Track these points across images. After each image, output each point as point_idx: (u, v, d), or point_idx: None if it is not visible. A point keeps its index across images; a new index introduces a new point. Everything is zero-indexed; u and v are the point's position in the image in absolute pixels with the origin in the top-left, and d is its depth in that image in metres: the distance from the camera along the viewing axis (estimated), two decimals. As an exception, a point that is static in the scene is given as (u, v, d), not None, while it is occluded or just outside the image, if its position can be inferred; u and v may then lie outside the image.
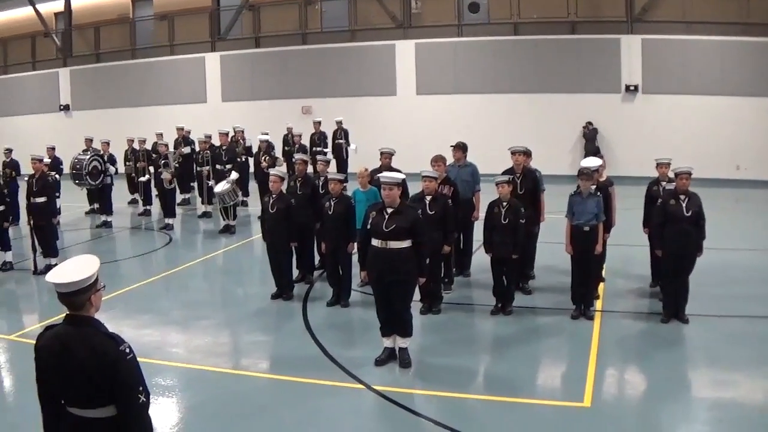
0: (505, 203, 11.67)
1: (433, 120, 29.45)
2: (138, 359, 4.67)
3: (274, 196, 12.93)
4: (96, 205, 22.62)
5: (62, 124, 35.83)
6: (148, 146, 23.93)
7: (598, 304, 12.07)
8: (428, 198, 11.53)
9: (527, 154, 13.15)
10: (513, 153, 12.90)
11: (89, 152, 21.70)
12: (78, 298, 4.61)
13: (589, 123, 27.66)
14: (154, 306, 13.00)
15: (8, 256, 16.13)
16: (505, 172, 12.55)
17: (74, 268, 4.66)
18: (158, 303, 13.25)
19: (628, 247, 15.12)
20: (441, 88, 29.74)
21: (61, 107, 36.38)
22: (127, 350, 4.60)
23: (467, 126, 27.54)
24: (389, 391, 8.86)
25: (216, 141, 21.80)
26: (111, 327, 4.74)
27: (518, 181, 12.60)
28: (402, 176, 9.79)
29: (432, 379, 9.28)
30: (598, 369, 9.43)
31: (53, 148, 22.52)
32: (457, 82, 29.53)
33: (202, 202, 22.31)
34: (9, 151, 22.01)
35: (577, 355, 9.97)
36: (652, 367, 9.56)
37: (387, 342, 9.79)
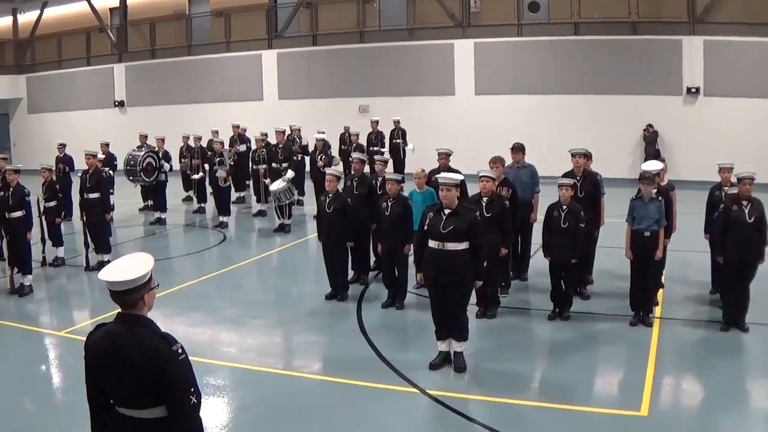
0: (564, 206, 11.54)
1: (491, 120, 29.27)
2: (189, 359, 4.65)
3: (330, 195, 12.94)
4: (150, 202, 22.82)
5: (117, 120, 36.31)
6: (204, 143, 24.09)
7: (657, 311, 11.86)
8: (486, 199, 11.43)
9: (588, 156, 12.99)
10: (573, 155, 12.77)
11: (144, 148, 21.85)
12: (131, 296, 4.58)
13: (650, 125, 27.27)
14: (206, 304, 13.08)
15: (60, 252, 16.36)
16: (564, 175, 12.39)
17: (128, 266, 4.63)
18: (211, 301, 13.32)
19: (688, 253, 14.85)
20: (499, 88, 29.52)
21: (116, 103, 36.87)
22: (180, 350, 4.55)
23: (525, 127, 27.30)
24: (443, 396, 8.78)
25: (272, 139, 21.84)
26: (162, 325, 4.71)
27: (578, 184, 12.47)
28: (460, 177, 9.70)
29: (487, 384, 9.20)
30: (656, 377, 9.26)
31: (107, 144, 22.82)
32: (515, 82, 29.30)
33: (257, 201, 22.39)
34: (62, 146, 22.29)
35: (634, 363, 9.80)
36: (711, 376, 9.37)
37: (442, 346, 9.73)
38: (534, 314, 12.10)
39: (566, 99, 28.55)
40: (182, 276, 15.09)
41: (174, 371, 4.50)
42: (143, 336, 4.55)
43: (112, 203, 17.33)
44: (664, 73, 27.21)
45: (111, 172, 20.23)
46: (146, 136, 23.31)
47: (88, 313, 12.80)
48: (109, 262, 14.66)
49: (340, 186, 13.39)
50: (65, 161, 21.78)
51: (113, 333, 4.61)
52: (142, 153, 21.34)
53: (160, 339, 4.56)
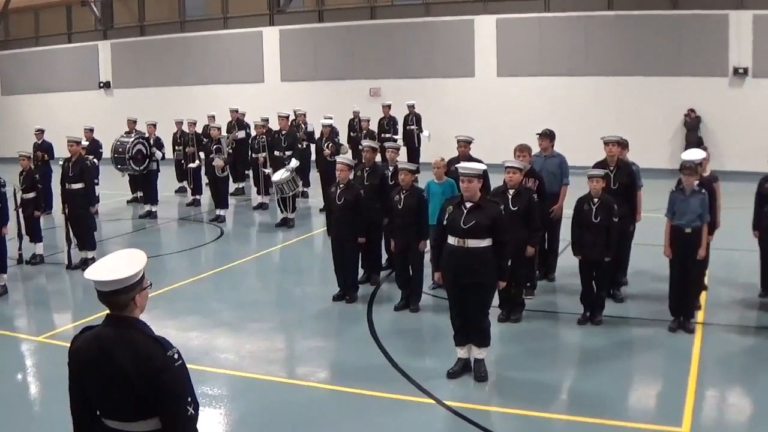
0: (596, 199, 11.50)
1: (515, 105, 29.29)
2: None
3: (341, 185, 12.96)
4: (140, 194, 22.87)
5: (102, 103, 36.44)
6: (199, 129, 24.13)
7: (700, 316, 11.82)
8: (511, 192, 11.45)
9: (622, 144, 12.94)
10: (606, 143, 12.73)
11: (133, 135, 21.89)
12: (121, 297, 4.57)
13: (692, 110, 27.18)
14: (202, 306, 13.12)
15: (39, 248, 16.35)
16: (596, 165, 12.36)
17: (118, 264, 4.62)
18: (207, 303, 13.36)
19: (734, 252, 14.79)
20: (525, 69, 29.51)
21: (101, 84, 36.96)
22: (176, 356, 4.53)
23: (553, 112, 27.30)
24: (462, 408, 8.78)
25: (274, 125, 21.90)
26: (153, 329, 4.71)
27: (612, 175, 12.43)
28: (483, 167, 9.72)
29: (510, 395, 9.19)
30: (698, 389, 9.22)
31: (92, 130, 22.82)
32: (542, 62, 29.26)
33: (258, 192, 22.45)
34: (40, 131, 22.29)
35: (674, 373, 9.77)
36: (759, 388, 9.34)
37: (461, 352, 9.73)
38: (562, 318, 12.09)
39: (598, 81, 28.51)
40: (175, 275, 15.12)
41: (169, 379, 4.48)
42: (135, 340, 4.53)
43: (97, 195, 17.29)
44: (708, 51, 27.09)
45: (96, 160, 20.22)
46: (135, 122, 23.36)
47: (71, 316, 12.82)
48: (93, 259, 14.78)
49: (351, 176, 13.39)
50: (44, 148, 21.81)
51: (102, 337, 4.59)
52: (132, 139, 21.36)
53: (154, 343, 4.54)
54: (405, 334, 11.49)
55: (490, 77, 30.13)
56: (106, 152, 22.25)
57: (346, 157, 13.86)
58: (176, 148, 24.24)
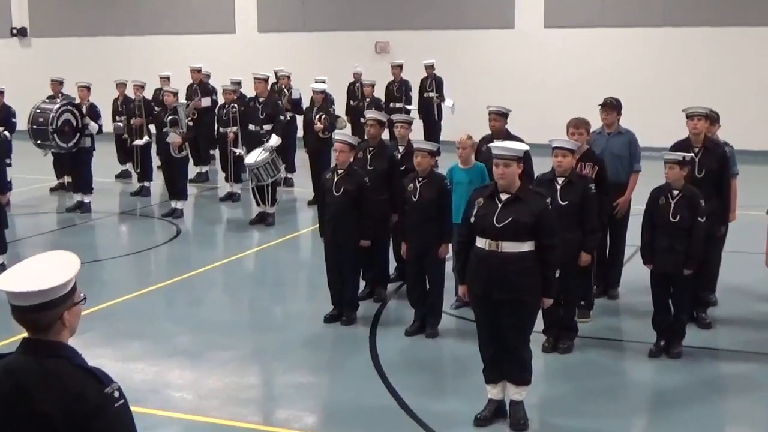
0: (675, 191, 11.44)
1: (568, 65, 29.33)
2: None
3: (340, 171, 12.93)
4: (68, 179, 22.91)
5: (15, 57, 36.48)
6: (149, 95, 24.14)
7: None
8: (561, 181, 11.43)
9: (712, 119, 12.93)
10: (690, 117, 12.67)
11: (59, 100, 21.68)
12: (45, 314, 4.50)
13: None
14: (150, 328, 13.13)
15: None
16: (676, 146, 12.35)
17: (42, 271, 4.54)
18: (157, 324, 13.38)
19: None
20: (580, 18, 29.57)
21: (14, 31, 36.94)
22: (116, 394, 4.48)
23: (619, 75, 27.31)
24: (494, 467, 8.80)
25: (249, 90, 21.86)
26: (88, 358, 4.67)
27: (697, 160, 12.39)
28: (524, 147, 9.64)
29: (559, 450, 9.21)
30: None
31: (1, 92, 22.75)
32: (605, 9, 29.31)
33: (227, 179, 22.53)
34: None
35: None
36: None
37: (493, 391, 9.69)
38: (628, 348, 12.13)
39: (680, 34, 28.51)
40: (116, 287, 15.14)
41: (107, 424, 4.43)
42: (62, 373, 4.47)
43: (9, 179, 17.25)
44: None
45: (7, 133, 20.21)
46: (62, 82, 23.27)
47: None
48: (3, 266, 14.77)
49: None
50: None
51: (15, 368, 4.53)
52: (57, 106, 21.02)
53: (88, 377, 4.47)
54: (419, 367, 11.49)
55: (534, 29, 30.17)
56: (22, 123, 21.93)
57: (345, 133, 13.82)
58: (117, 118, 24.28)
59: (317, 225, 13.59)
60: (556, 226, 9.59)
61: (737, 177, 13.15)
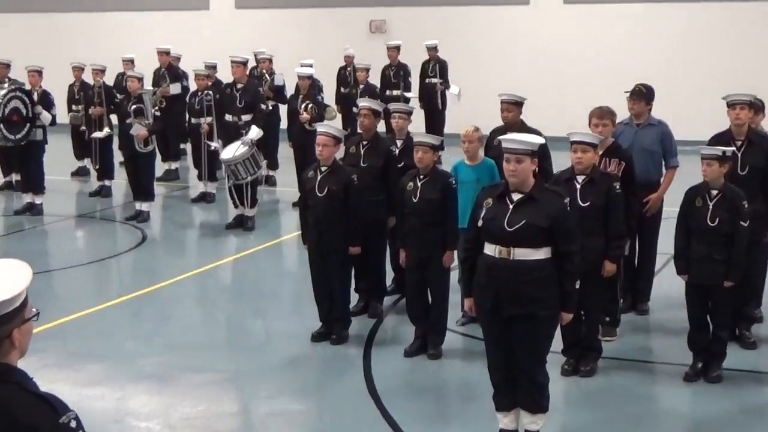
0: (714, 192, 11.41)
1: (591, 46, 29.30)
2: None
3: (323, 168, 12.95)
4: (16, 177, 22.91)
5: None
6: (110, 81, 24.13)
7: None
8: (581, 179, 11.42)
9: (757, 108, 12.94)
10: (732, 106, 12.65)
11: (6, 85, 21.67)
12: (-10, 333, 4.55)
13: None
14: (112, 348, 13.12)
15: None
16: (715, 139, 12.37)
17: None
18: (120, 343, 13.37)
19: None
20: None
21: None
22: (73, 424, 4.49)
23: (650, 58, 27.34)
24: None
25: (225, 75, 21.91)
26: (40, 383, 4.70)
27: (739, 155, 12.39)
28: (539, 140, 9.64)
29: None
30: None
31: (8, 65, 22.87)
32: (633, -19, 29.34)
33: (200, 177, 22.57)
34: None
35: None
36: None
37: (505, 420, 9.72)
38: (660, 371, 12.14)
39: (721, 8, 28.49)
40: (72, 301, 15.11)
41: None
42: (11, 400, 4.48)
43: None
44: None
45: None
46: (9, 65, 23.20)
47: None
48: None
49: (340, 154, 13.40)
50: None
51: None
52: (3, 93, 21.08)
53: (39, 405, 4.48)
54: (420, 392, 11.49)
55: (553, 4, 30.23)
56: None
57: (331, 125, 13.81)
58: (74, 107, 24.30)
59: (301, 231, 13.58)
60: (576, 230, 9.57)
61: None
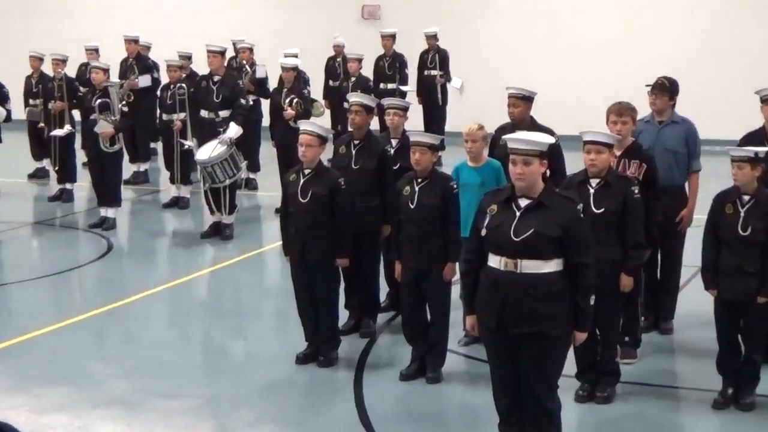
0: (746, 197, 11.40)
1: (608, 36, 29.42)
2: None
3: (307, 171, 12.96)
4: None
5: None
6: (72, 72, 24.17)
7: None
8: (594, 183, 11.42)
9: (792, 104, 13.02)
10: (766, 101, 12.75)
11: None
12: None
13: None
14: (73, 371, 13.09)
15: None
16: (746, 138, 12.41)
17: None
18: (82, 365, 13.33)
19: None
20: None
21: None
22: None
23: (673, 48, 27.42)
24: None
25: (201, 67, 21.97)
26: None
27: (774, 157, 12.46)
28: (549, 139, 9.64)
29: None
30: None
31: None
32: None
33: (172, 180, 22.59)
34: None
35: None
36: None
37: (511, 452, 9.81)
38: (686, 397, 12.18)
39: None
40: (28, 317, 15.05)
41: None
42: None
43: None
44: None
45: None
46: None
47: None
48: None
49: (327, 156, 13.46)
50: None
51: None
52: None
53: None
54: (418, 420, 11.52)
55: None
56: None
57: (313, 122, 13.84)
58: (31, 102, 24.33)
59: (282, 241, 13.61)
60: (591, 240, 9.52)
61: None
